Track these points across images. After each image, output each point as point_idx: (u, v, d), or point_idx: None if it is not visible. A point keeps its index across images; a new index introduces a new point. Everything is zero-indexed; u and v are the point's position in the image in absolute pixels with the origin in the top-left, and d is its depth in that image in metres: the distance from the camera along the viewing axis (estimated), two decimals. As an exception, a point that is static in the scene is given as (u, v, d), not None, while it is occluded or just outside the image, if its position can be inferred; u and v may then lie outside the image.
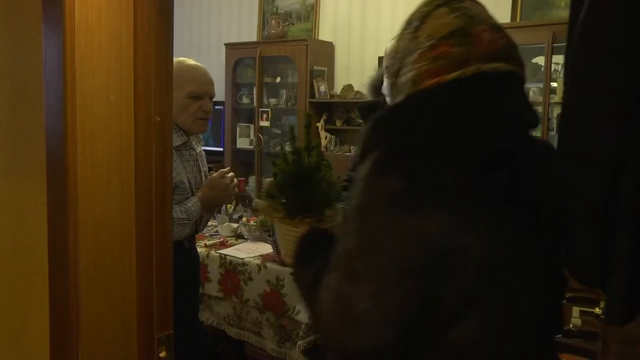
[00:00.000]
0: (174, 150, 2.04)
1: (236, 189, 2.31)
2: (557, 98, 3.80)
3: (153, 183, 1.14)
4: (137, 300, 1.12)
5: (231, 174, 2.29)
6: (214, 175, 2.25)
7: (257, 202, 1.44)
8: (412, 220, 0.92)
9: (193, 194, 2.18)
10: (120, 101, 1.06)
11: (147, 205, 1.13)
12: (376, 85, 2.21)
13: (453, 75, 0.99)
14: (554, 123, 3.92)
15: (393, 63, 1.08)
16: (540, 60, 4.14)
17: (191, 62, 2.18)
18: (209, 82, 2.20)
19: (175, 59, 2.19)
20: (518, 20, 4.17)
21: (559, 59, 3.96)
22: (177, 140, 2.11)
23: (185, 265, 2.23)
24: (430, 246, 0.92)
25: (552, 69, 3.90)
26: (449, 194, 0.93)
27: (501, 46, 1.02)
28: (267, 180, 1.24)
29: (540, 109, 3.95)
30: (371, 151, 1.00)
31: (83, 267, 1.03)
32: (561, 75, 3.90)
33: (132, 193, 1.10)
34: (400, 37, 1.06)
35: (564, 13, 4.05)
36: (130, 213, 1.10)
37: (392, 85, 1.09)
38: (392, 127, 1.02)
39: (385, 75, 1.30)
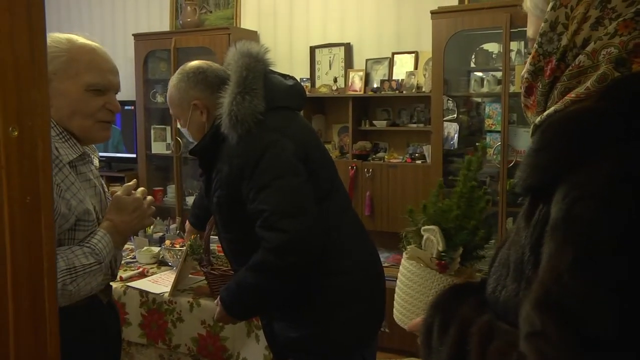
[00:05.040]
0: (69, 169, 1.47)
1: (152, 206, 1.68)
2: (515, 88, 3.44)
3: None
4: None
5: (141, 188, 1.68)
6: (118, 193, 1.63)
7: (410, 249, 1.16)
8: None
9: None
10: None
11: None
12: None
13: None
14: (515, 116, 3.57)
15: (549, 39, 0.84)
16: (491, 47, 3.79)
17: (85, 40, 1.55)
18: (114, 70, 1.58)
19: (60, 36, 1.54)
20: (466, 2, 3.77)
21: (514, 45, 3.61)
22: (70, 153, 1.49)
23: (105, 330, 1.66)
24: None
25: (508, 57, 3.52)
26: None
27: None
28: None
29: (499, 100, 3.60)
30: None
31: None
32: (518, 63, 3.55)
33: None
34: (561, 3, 0.84)
35: (516, -5, 3.70)
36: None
37: (547, 71, 0.86)
38: None
39: (529, 62, 0.92)
